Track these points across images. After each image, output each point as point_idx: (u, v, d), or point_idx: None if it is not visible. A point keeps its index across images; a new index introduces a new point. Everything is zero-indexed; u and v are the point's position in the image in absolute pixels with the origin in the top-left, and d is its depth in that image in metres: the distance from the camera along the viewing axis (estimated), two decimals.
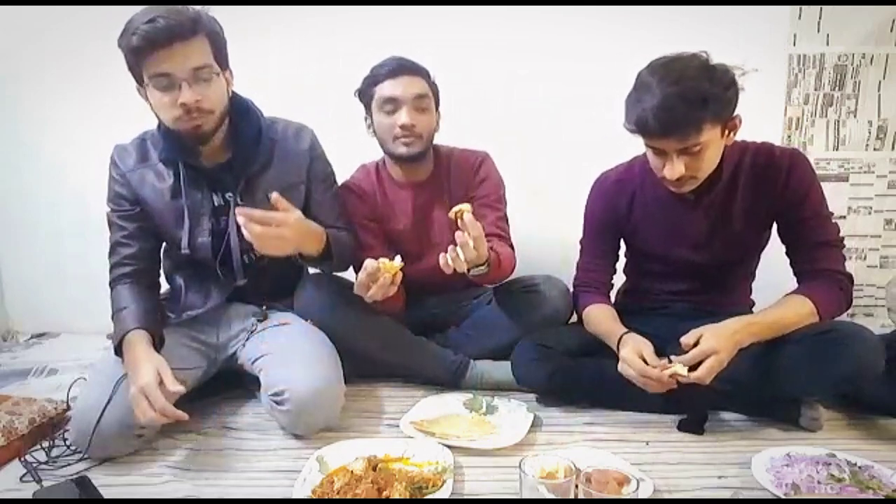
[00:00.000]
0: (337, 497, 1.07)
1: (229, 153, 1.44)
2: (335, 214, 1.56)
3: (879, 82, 2.04)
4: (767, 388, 1.33)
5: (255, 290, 1.53)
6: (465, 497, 1.12)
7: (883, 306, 2.13)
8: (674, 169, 1.26)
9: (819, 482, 1.07)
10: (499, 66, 2.05)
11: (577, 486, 0.98)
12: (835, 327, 1.27)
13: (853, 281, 1.36)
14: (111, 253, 1.46)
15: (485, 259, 1.33)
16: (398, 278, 1.37)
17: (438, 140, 1.66)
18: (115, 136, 1.49)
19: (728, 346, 1.22)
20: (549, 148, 2.11)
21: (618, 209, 1.51)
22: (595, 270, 1.57)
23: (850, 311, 1.45)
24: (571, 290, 1.60)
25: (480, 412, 1.45)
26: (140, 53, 1.25)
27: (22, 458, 1.26)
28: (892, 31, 2.00)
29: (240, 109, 1.44)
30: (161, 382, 1.20)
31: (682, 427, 1.36)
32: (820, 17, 2.00)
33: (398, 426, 1.38)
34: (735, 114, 1.26)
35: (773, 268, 1.46)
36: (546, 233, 1.99)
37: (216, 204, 1.45)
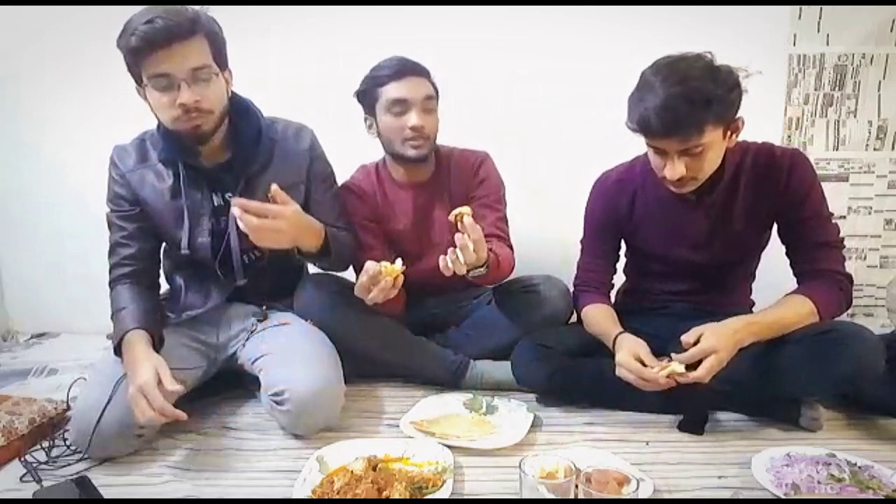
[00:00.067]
0: (337, 497, 1.07)
1: (229, 153, 1.44)
2: (335, 214, 1.56)
3: (879, 82, 2.03)
4: (767, 388, 1.33)
5: (255, 290, 1.53)
6: (465, 497, 1.12)
7: (883, 306, 2.13)
8: (674, 169, 1.26)
9: (819, 482, 1.07)
10: (499, 66, 2.05)
11: (577, 486, 0.98)
12: (835, 327, 1.27)
13: (853, 281, 1.36)
14: (111, 253, 1.46)
15: (484, 261, 1.34)
16: (399, 281, 1.36)
17: (438, 140, 1.65)
18: (115, 136, 1.49)
19: (728, 345, 1.22)
20: (549, 148, 2.11)
21: (618, 209, 1.51)
22: (595, 270, 1.57)
23: (850, 311, 1.45)
24: (572, 289, 1.60)
25: (480, 412, 1.45)
26: (139, 54, 1.24)
27: (22, 458, 1.26)
28: (892, 31, 2.00)
29: (239, 109, 1.44)
30: (160, 382, 1.20)
31: (682, 427, 1.36)
32: (820, 17, 2.00)
33: (398, 426, 1.37)
34: (738, 115, 1.26)
35: (773, 268, 1.46)
36: (546, 233, 1.99)
37: (216, 204, 1.44)
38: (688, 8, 1.96)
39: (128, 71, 1.30)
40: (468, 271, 1.33)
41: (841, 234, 1.37)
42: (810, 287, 1.33)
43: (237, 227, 1.33)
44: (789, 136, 2.09)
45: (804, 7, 1.99)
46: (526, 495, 0.99)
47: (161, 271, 1.55)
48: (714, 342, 1.22)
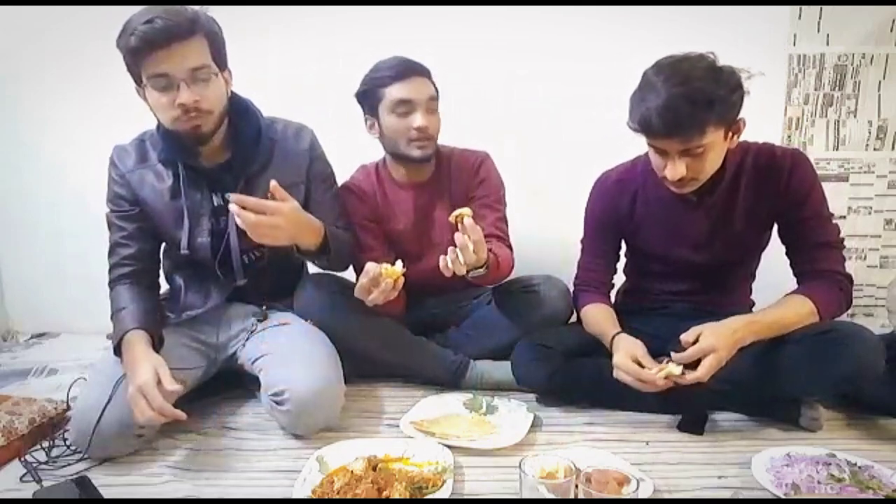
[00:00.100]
0: (337, 497, 1.07)
1: (229, 153, 1.44)
2: (335, 214, 1.56)
3: (879, 82, 2.03)
4: (767, 388, 1.33)
5: (254, 290, 1.53)
6: (465, 497, 1.12)
7: (883, 306, 2.13)
8: (675, 169, 1.26)
9: (819, 482, 1.07)
10: (499, 66, 2.05)
11: (577, 486, 0.98)
12: (835, 327, 1.27)
13: (853, 282, 1.36)
14: (110, 253, 1.46)
15: (484, 262, 1.34)
16: (400, 283, 1.37)
17: (438, 140, 1.66)
18: (115, 136, 1.49)
19: (728, 344, 1.22)
20: (549, 148, 2.11)
21: (619, 209, 1.51)
22: (595, 270, 1.57)
23: (850, 311, 1.45)
24: (572, 289, 1.60)
25: (480, 412, 1.45)
26: (138, 54, 1.24)
27: (22, 458, 1.26)
28: (892, 31, 1.99)
29: (239, 109, 1.44)
30: (159, 382, 1.20)
31: (681, 427, 1.36)
32: (820, 17, 2.00)
33: (398, 426, 1.37)
34: (739, 117, 1.25)
35: (773, 268, 1.46)
36: (546, 233, 1.99)
37: (216, 204, 1.44)
38: (688, 8, 1.96)
39: (127, 71, 1.30)
40: (468, 272, 1.33)
41: (841, 235, 1.37)
42: (810, 287, 1.33)
43: (237, 227, 1.33)
44: (789, 136, 2.09)
45: (804, 7, 1.99)
46: (526, 495, 0.99)
47: (161, 271, 1.55)
48: (713, 341, 1.22)
